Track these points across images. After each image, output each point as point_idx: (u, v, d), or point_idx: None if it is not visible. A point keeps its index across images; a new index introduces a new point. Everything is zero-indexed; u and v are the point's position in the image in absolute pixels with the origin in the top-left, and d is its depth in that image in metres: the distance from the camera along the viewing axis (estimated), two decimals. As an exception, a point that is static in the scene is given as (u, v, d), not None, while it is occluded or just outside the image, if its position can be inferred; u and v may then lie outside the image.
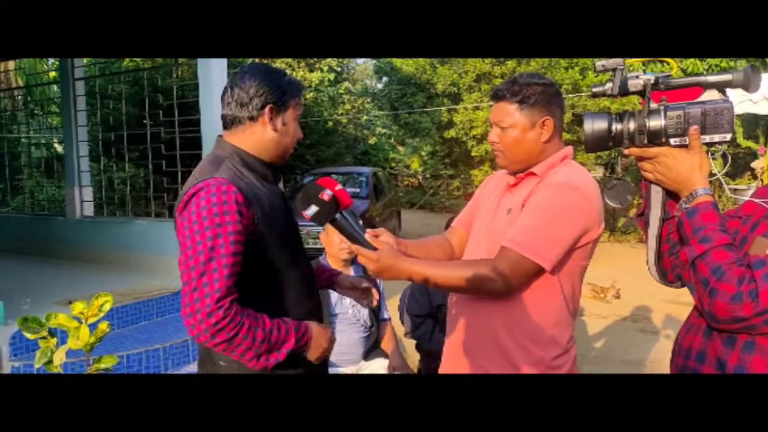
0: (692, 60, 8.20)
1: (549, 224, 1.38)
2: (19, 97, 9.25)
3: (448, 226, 2.96)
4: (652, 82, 1.13)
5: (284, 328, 1.36)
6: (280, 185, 1.54)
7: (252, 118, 1.41)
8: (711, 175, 1.16)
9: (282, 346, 1.34)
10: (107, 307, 1.51)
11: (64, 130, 5.80)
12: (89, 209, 5.72)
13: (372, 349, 2.72)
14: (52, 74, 8.90)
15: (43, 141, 8.33)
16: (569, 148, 1.52)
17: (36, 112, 8.90)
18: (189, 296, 1.26)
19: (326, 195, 1.32)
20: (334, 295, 2.54)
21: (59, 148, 8.44)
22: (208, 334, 1.24)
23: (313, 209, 1.33)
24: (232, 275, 1.28)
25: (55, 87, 8.28)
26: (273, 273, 1.39)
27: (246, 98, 1.40)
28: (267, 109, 1.39)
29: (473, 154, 9.74)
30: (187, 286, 1.27)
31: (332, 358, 2.00)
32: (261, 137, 1.42)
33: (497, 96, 1.49)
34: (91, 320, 1.42)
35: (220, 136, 1.48)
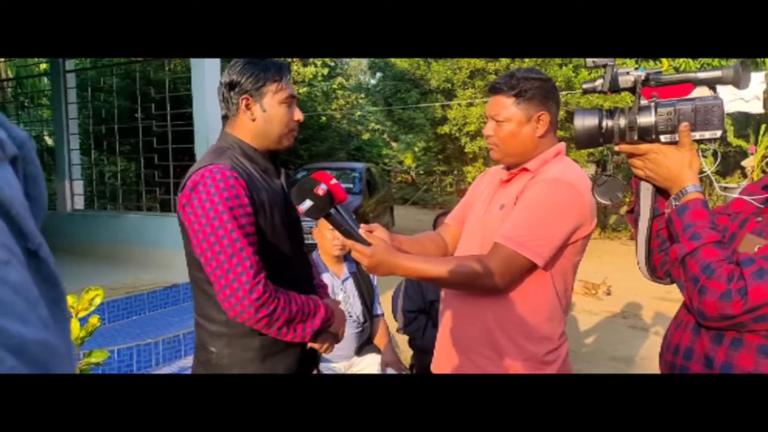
0: (684, 59, 8.24)
1: (542, 220, 1.39)
2: (9, 89, 9.15)
3: (436, 223, 2.98)
4: (643, 78, 1.13)
5: (312, 301, 1.44)
6: (282, 180, 1.53)
7: (235, 112, 1.45)
8: (701, 172, 1.16)
9: (315, 316, 1.42)
10: (98, 301, 1.50)
11: (55, 123, 5.75)
12: (80, 203, 5.68)
13: (365, 345, 2.72)
14: (43, 66, 8.81)
15: (33, 134, 8.26)
16: (562, 144, 1.53)
17: (26, 104, 8.81)
18: (224, 278, 1.29)
19: (321, 189, 1.32)
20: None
21: (50, 141, 8.36)
22: (252, 310, 1.28)
23: (308, 203, 1.32)
24: (258, 253, 1.32)
25: (45, 79, 8.20)
26: (270, 261, 1.40)
27: (226, 93, 1.45)
28: (242, 101, 1.43)
29: (467, 150, 9.75)
30: (219, 270, 1.29)
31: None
32: (248, 127, 1.46)
33: (494, 89, 1.49)
34: (82, 314, 1.42)
35: (224, 128, 1.52)
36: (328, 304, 1.52)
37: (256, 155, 1.46)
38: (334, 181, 1.34)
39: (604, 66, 1.14)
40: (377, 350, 2.74)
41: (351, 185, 8.57)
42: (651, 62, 7.92)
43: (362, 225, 1.40)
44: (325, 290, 1.74)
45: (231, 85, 1.44)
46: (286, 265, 1.46)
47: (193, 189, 1.33)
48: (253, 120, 1.44)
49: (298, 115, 1.49)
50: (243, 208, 1.32)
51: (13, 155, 0.33)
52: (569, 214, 1.40)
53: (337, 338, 1.55)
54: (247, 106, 1.44)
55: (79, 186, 5.69)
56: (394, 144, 20.19)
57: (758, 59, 7.74)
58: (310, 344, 1.48)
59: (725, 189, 6.90)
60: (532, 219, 1.39)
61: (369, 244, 1.35)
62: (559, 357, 1.48)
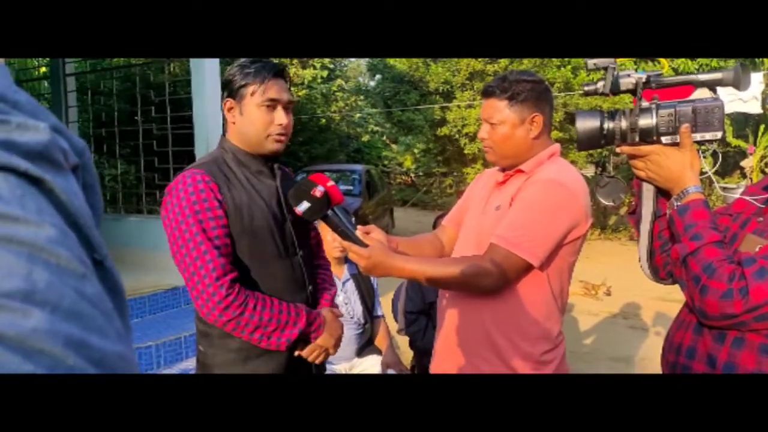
0: (683, 59, 8.26)
1: (536, 221, 1.39)
2: (9, 92, 9.14)
3: (435, 224, 2.99)
4: (644, 80, 1.13)
5: (294, 310, 1.41)
6: (277, 182, 1.51)
7: (224, 114, 1.48)
8: (701, 173, 1.17)
9: (293, 326, 1.39)
10: (98, 304, 1.50)
11: (55, 126, 5.75)
12: (80, 206, 5.67)
13: (365, 346, 2.72)
14: (43, 70, 8.82)
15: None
16: (557, 146, 1.54)
17: (26, 107, 8.78)
18: (190, 281, 1.32)
19: (318, 191, 1.31)
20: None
21: (49, 145, 8.34)
22: (216, 312, 1.29)
23: (305, 205, 1.32)
24: (226, 255, 1.33)
25: (45, 83, 8.21)
26: (252, 264, 1.41)
27: (221, 95, 1.50)
28: (225, 103, 1.46)
29: (466, 151, 9.77)
30: (186, 273, 1.32)
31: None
32: (233, 130, 1.48)
33: (487, 93, 1.50)
34: (82, 317, 1.42)
35: (223, 134, 1.53)
36: (322, 314, 1.49)
37: (247, 159, 1.46)
38: (331, 183, 1.34)
39: (605, 68, 1.15)
40: (378, 351, 2.74)
41: (351, 187, 8.58)
42: (650, 63, 7.94)
43: (359, 226, 1.40)
44: (332, 289, 1.69)
45: (222, 87, 1.47)
46: (269, 268, 1.44)
47: (167, 194, 1.38)
48: (233, 123, 1.46)
49: (281, 119, 1.43)
50: (210, 212, 1.33)
51: (74, 164, 0.32)
52: (564, 214, 1.41)
53: (327, 351, 1.51)
54: (229, 109, 1.45)
55: (78, 189, 5.68)
56: (393, 146, 20.21)
57: (756, 59, 7.76)
58: (297, 352, 1.46)
59: (725, 189, 6.90)
60: (527, 219, 1.39)
61: (366, 246, 1.35)
62: (556, 357, 1.49)
